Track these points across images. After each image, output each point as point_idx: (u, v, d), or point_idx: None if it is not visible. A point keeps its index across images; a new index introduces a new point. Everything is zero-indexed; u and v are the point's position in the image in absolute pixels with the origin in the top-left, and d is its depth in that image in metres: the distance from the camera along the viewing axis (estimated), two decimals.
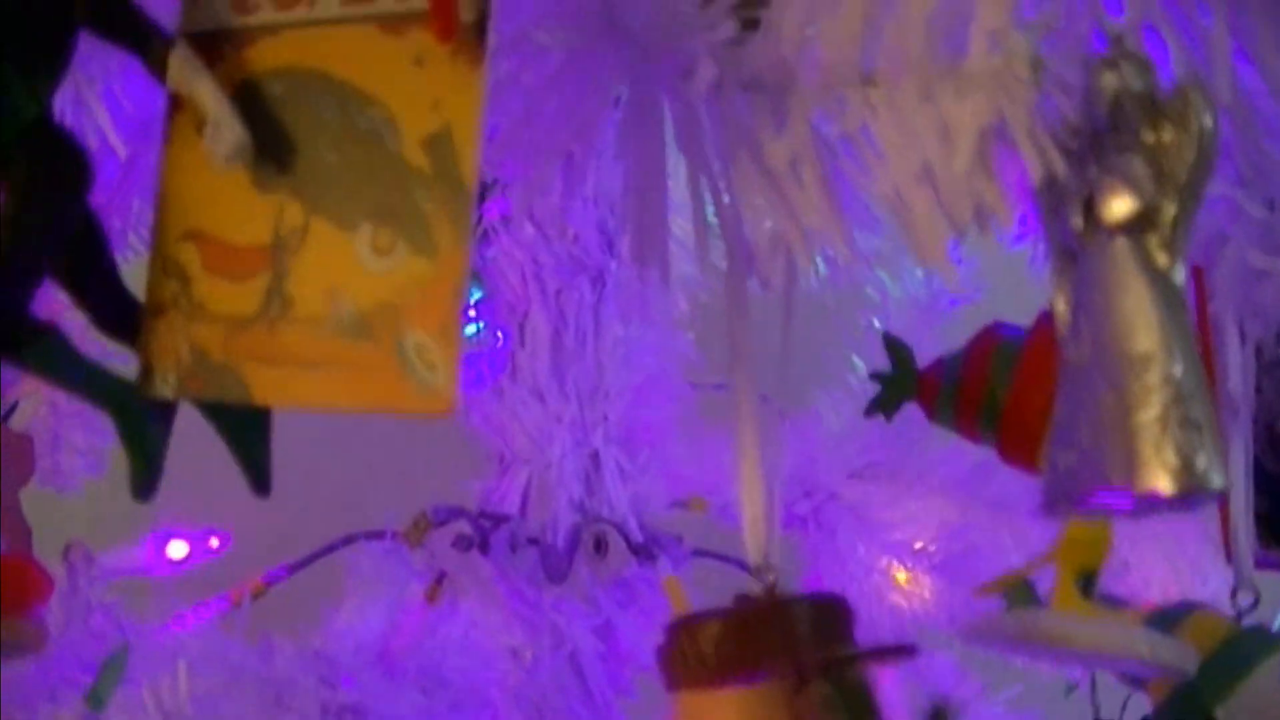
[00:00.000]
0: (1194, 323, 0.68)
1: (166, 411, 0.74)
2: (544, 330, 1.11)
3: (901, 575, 1.21)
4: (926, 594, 1.21)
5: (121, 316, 0.75)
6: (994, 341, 0.81)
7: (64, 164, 0.72)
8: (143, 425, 0.73)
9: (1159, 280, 0.66)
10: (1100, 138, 0.68)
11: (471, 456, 1.14)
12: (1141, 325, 0.65)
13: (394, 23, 0.70)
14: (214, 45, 0.73)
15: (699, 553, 1.13)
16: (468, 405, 1.09)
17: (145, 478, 0.74)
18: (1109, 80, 0.68)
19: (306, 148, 0.71)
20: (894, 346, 0.85)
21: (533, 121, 0.77)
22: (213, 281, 0.72)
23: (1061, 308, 0.69)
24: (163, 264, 0.74)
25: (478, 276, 1.11)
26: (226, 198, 0.72)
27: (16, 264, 0.71)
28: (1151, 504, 0.64)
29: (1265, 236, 0.81)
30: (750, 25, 0.73)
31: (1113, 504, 0.65)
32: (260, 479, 0.75)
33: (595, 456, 1.11)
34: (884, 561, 1.22)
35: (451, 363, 0.67)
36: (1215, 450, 0.63)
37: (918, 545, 1.22)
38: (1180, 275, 0.66)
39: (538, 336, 1.11)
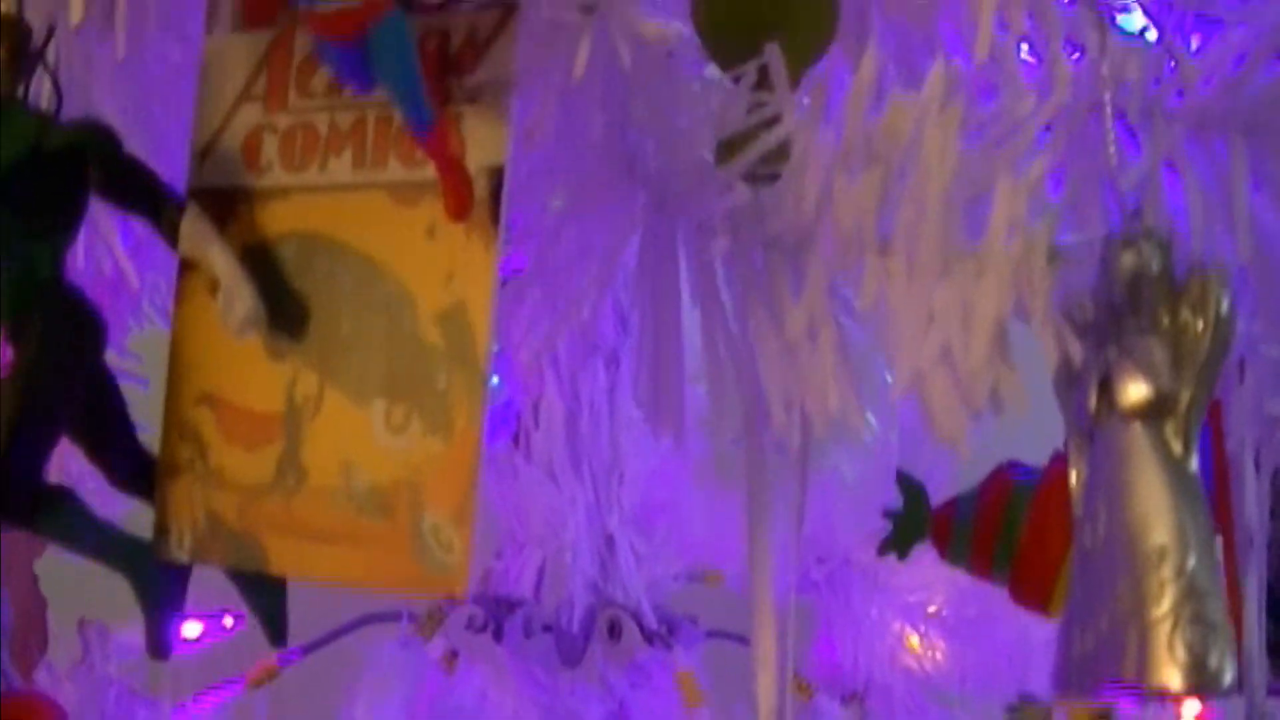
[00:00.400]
0: (1210, 500, 0.68)
1: (182, 571, 0.74)
2: (558, 412, 1.11)
3: (914, 639, 1.21)
4: (939, 657, 1.22)
5: (137, 471, 0.75)
6: (1008, 483, 0.82)
7: (77, 324, 0.73)
8: (158, 587, 0.74)
9: (1174, 469, 0.66)
10: (1118, 317, 0.68)
11: (485, 537, 1.15)
12: (1156, 518, 0.65)
13: (405, 192, 0.70)
14: (226, 203, 0.73)
15: (713, 634, 1.13)
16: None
17: (159, 637, 0.74)
18: (1127, 261, 0.68)
19: (320, 315, 0.71)
20: (907, 486, 0.85)
21: (546, 267, 0.77)
22: (229, 448, 0.72)
23: (1076, 484, 0.69)
24: (178, 427, 0.74)
25: None
26: (240, 362, 0.72)
27: (30, 428, 0.71)
28: (1162, 696, 0.65)
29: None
30: (769, 179, 0.73)
31: (1124, 693, 0.66)
32: (276, 631, 0.76)
33: (610, 539, 1.11)
34: (897, 625, 1.22)
35: (466, 544, 0.67)
36: (1228, 647, 0.64)
37: (931, 609, 1.22)
38: (1194, 462, 0.66)
39: (552, 418, 1.11)
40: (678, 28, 0.67)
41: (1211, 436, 0.82)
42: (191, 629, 1.13)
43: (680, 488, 1.14)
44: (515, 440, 1.11)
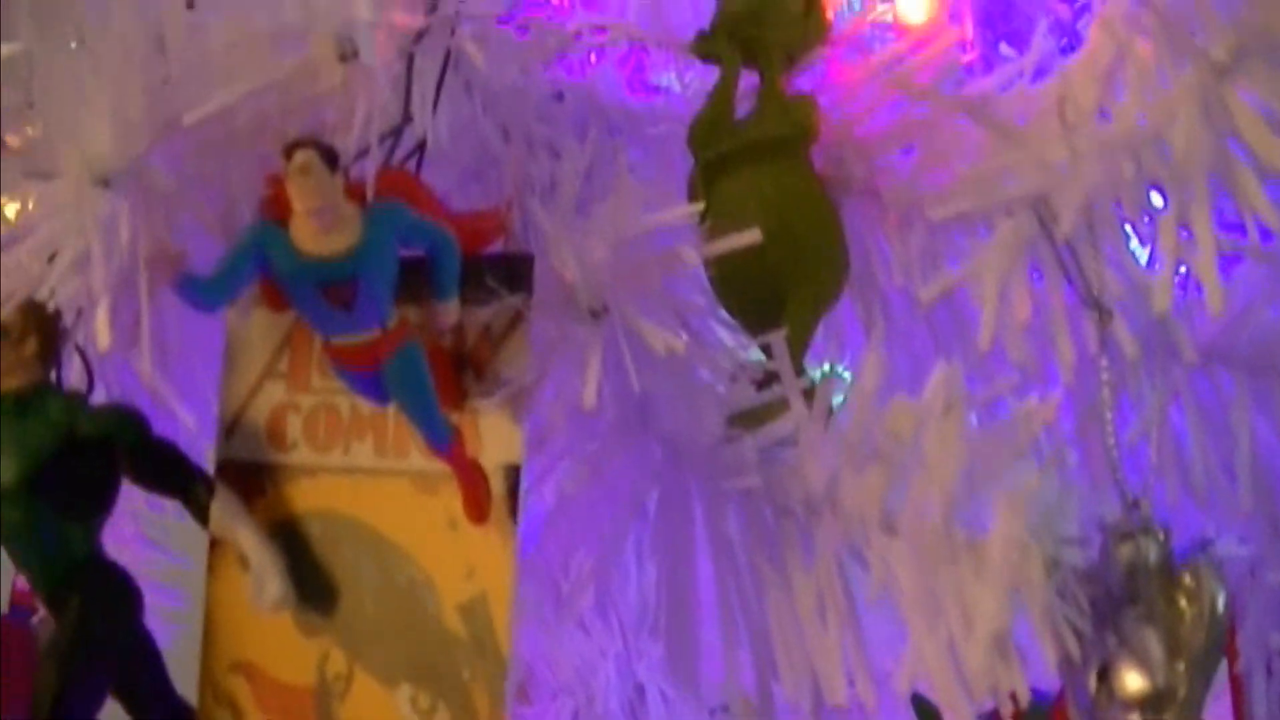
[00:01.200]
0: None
1: None
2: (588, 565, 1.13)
3: None
4: None
5: None
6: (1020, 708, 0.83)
7: (113, 597, 0.75)
8: None
9: None
10: (1116, 605, 0.70)
11: (516, 685, 1.17)
12: None
13: (427, 481, 0.72)
14: (254, 477, 0.76)
15: None
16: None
17: None
18: (1125, 552, 0.70)
19: (347, 596, 0.74)
20: (923, 709, 0.87)
21: (564, 516, 0.80)
22: (264, 718, 0.75)
23: None
24: (213, 691, 0.76)
25: None
26: (272, 635, 0.75)
27: (72, 699, 0.74)
28: None
29: None
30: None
31: None
32: None
33: (639, 687, 1.14)
34: None
35: None
36: None
37: None
38: None
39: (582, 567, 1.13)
40: (684, 339, 0.68)
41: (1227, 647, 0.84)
42: None
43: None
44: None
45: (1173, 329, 0.76)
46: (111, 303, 0.69)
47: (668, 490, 0.79)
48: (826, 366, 0.85)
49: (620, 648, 1.11)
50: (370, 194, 0.65)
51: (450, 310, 0.69)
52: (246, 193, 0.69)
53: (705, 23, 0.85)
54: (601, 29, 0.91)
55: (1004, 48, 0.94)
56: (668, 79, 0.95)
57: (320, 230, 0.63)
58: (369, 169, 0.67)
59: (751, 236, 0.70)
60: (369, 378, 0.67)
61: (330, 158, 0.63)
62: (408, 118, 0.70)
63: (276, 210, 0.64)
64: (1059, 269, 0.69)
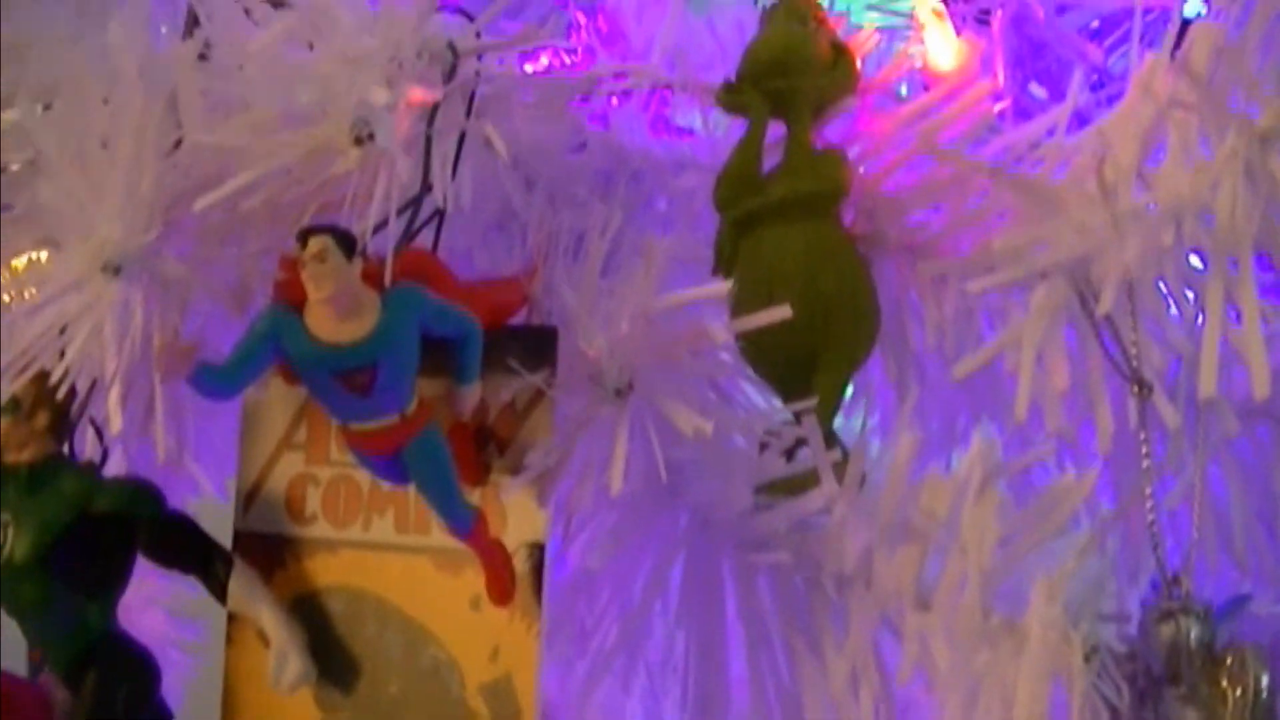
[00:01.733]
0: None
1: None
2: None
3: None
4: None
5: None
6: None
7: (130, 672, 0.74)
8: None
9: None
10: (1156, 685, 0.68)
11: None
12: None
13: (449, 559, 0.71)
14: (273, 551, 0.74)
15: None
16: None
17: None
18: (1165, 632, 0.68)
19: (369, 674, 0.72)
20: None
21: (592, 583, 0.78)
22: None
23: None
24: None
25: None
26: (293, 711, 0.73)
27: None
28: None
29: None
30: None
31: None
32: None
33: None
34: None
35: None
36: None
37: None
38: None
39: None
40: (713, 410, 0.66)
41: None
42: None
43: None
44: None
45: (1215, 400, 0.74)
46: (125, 380, 0.67)
47: (695, 558, 0.77)
48: (859, 424, 0.83)
49: (645, 684, 1.09)
50: (388, 278, 0.63)
51: (473, 395, 0.67)
52: (261, 272, 0.67)
53: (730, 60, 0.82)
54: (623, 74, 0.89)
55: (1035, 87, 0.91)
56: (692, 119, 0.93)
57: (336, 317, 0.61)
58: (388, 244, 0.65)
59: (782, 312, 0.68)
60: (389, 464, 0.66)
61: (347, 243, 0.61)
62: (427, 187, 0.68)
63: (291, 293, 0.62)
64: (1096, 340, 0.67)
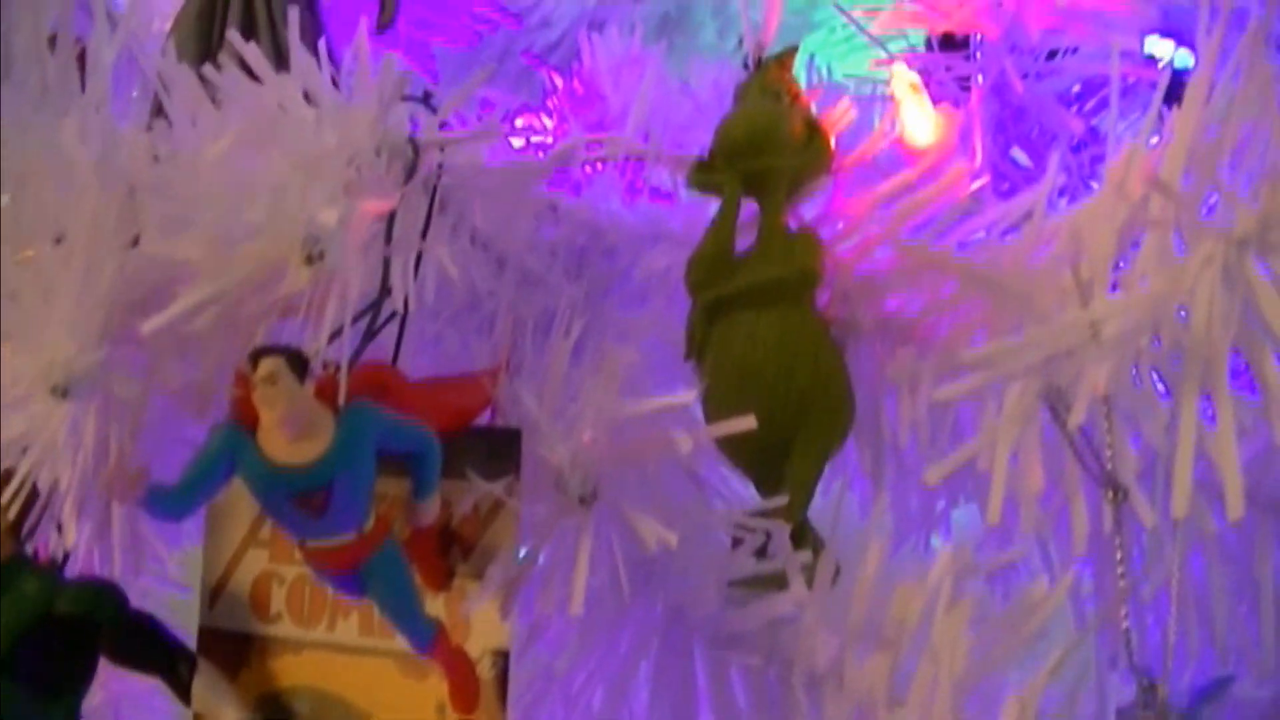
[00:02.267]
0: None
1: None
2: None
3: None
4: None
5: None
6: None
7: None
8: None
9: None
10: None
11: None
12: None
13: (413, 664, 0.70)
14: (238, 649, 0.73)
15: None
16: None
17: None
18: None
19: None
20: None
21: (563, 677, 0.77)
22: None
23: None
24: None
25: None
26: None
27: None
28: None
29: None
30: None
31: None
32: None
33: None
34: None
35: None
36: None
37: None
38: None
39: None
40: (674, 533, 0.65)
41: None
42: None
43: None
44: None
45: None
46: (80, 489, 0.66)
47: (668, 651, 0.76)
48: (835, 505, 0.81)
49: None
50: (342, 397, 0.61)
51: (431, 509, 0.66)
52: (219, 377, 0.66)
53: (709, 122, 0.81)
54: (596, 144, 0.87)
55: (1017, 152, 0.90)
56: (668, 181, 0.92)
57: (289, 438, 0.60)
58: (347, 348, 0.64)
59: (747, 423, 0.66)
60: (349, 580, 0.65)
61: (299, 364, 0.60)
62: (386, 290, 0.66)
63: (245, 411, 0.61)
64: (1070, 449, 0.66)
